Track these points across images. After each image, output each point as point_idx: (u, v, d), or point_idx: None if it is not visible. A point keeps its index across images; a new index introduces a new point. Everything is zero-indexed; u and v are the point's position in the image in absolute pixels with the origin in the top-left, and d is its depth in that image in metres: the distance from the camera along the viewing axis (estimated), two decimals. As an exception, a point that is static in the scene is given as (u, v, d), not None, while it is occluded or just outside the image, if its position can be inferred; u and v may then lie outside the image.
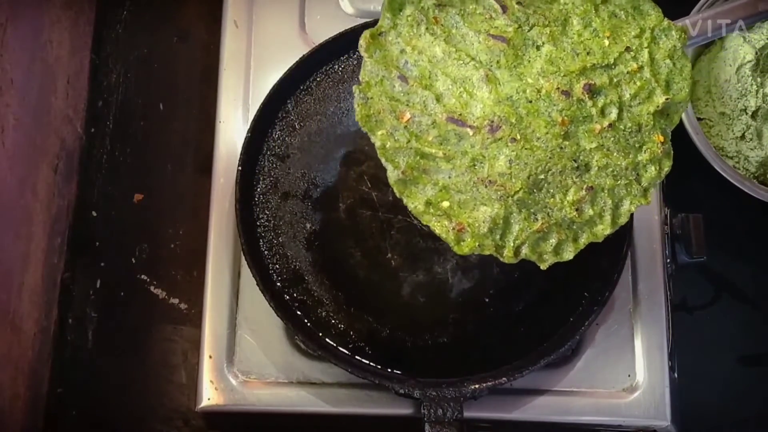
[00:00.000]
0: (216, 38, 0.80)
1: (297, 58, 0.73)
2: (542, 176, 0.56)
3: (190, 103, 0.83)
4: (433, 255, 0.72)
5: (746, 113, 0.76)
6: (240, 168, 0.70)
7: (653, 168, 0.58)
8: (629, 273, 0.74)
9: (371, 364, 0.68)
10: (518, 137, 0.55)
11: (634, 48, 0.57)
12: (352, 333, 0.70)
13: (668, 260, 0.74)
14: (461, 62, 0.57)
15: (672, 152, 0.59)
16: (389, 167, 0.58)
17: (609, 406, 0.71)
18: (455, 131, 0.56)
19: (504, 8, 0.57)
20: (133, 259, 0.79)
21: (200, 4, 0.86)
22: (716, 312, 0.81)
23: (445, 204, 0.58)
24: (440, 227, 0.58)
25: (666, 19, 0.59)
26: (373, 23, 0.72)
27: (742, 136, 0.77)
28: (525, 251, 0.58)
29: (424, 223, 0.58)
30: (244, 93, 0.77)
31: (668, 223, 0.75)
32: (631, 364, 0.72)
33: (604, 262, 0.70)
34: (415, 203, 0.58)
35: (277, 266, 0.71)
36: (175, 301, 0.78)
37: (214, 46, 0.80)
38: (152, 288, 0.78)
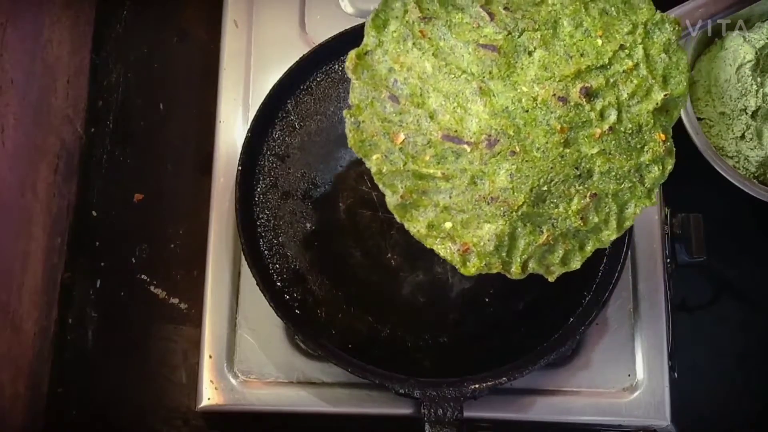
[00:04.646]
0: (216, 38, 0.80)
1: (297, 58, 0.73)
2: (545, 187, 0.54)
3: (190, 103, 0.83)
4: (433, 255, 0.71)
5: (746, 113, 0.76)
6: (240, 168, 0.70)
7: (656, 168, 0.57)
8: (629, 273, 0.74)
9: (371, 364, 0.68)
10: (517, 149, 0.53)
11: (628, 45, 0.56)
12: (352, 333, 0.70)
13: (668, 260, 0.74)
14: (452, 76, 0.55)
15: (674, 150, 0.57)
16: (387, 192, 0.56)
17: (609, 406, 0.71)
18: (452, 149, 0.54)
19: (491, 15, 0.55)
20: (133, 259, 0.79)
21: (200, 4, 0.86)
22: (716, 312, 0.81)
23: (448, 225, 0.56)
24: (444, 250, 0.56)
25: (658, 11, 0.57)
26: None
27: (742, 136, 0.77)
28: (532, 265, 0.57)
29: (428, 246, 0.56)
30: (244, 93, 0.77)
31: (668, 223, 0.74)
32: (631, 364, 0.72)
33: (605, 262, 0.71)
34: (417, 227, 0.56)
35: (277, 266, 0.71)
36: (175, 301, 0.78)
37: (214, 46, 0.80)
38: (152, 288, 0.78)
